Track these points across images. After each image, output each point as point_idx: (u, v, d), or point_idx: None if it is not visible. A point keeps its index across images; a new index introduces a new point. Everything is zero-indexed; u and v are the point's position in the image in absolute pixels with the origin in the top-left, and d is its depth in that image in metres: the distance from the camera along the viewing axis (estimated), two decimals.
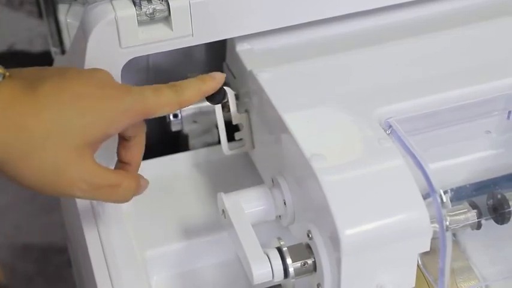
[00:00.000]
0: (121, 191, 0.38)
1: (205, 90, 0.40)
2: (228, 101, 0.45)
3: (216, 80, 0.40)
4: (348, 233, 0.35)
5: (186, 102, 0.39)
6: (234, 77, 0.48)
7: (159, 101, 0.38)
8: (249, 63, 0.45)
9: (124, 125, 0.37)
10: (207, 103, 0.49)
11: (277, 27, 0.45)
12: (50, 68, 0.39)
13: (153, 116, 0.39)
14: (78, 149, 0.36)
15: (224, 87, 0.42)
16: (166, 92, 0.38)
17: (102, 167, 0.37)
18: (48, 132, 0.35)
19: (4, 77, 0.35)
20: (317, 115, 0.40)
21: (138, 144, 0.41)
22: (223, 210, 0.41)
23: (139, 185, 0.40)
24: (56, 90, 0.36)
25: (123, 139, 0.40)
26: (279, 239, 0.38)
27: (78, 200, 0.45)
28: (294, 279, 0.38)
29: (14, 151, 0.34)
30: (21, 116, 0.34)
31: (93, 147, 0.37)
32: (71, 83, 0.36)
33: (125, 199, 0.39)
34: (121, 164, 0.41)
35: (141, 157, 0.41)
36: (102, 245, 0.42)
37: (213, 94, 0.41)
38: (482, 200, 0.40)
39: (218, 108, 0.45)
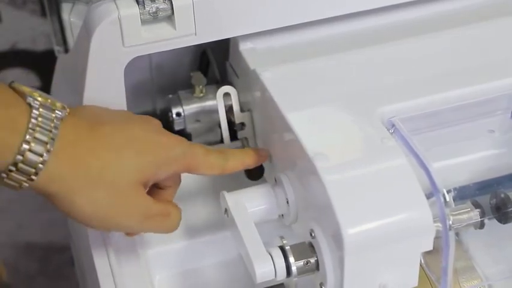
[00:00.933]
0: (170, 219, 0.40)
1: (248, 163, 0.42)
2: (231, 101, 0.45)
3: (260, 155, 0.43)
4: (350, 232, 0.35)
5: (228, 170, 0.41)
6: (237, 76, 0.48)
7: (207, 160, 0.40)
8: (252, 63, 0.45)
9: (172, 171, 0.39)
10: (210, 102, 0.49)
11: (281, 26, 0.45)
12: (109, 110, 0.41)
13: (196, 173, 0.41)
14: (132, 186, 0.37)
15: (227, 87, 0.43)
16: (215, 155, 0.41)
17: (152, 198, 0.39)
18: (104, 169, 0.36)
19: (65, 115, 0.36)
20: (320, 114, 0.40)
21: (169, 196, 0.42)
22: (225, 209, 0.41)
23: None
24: (115, 132, 0.38)
25: (155, 187, 0.41)
26: (282, 237, 0.38)
27: None
28: (296, 278, 0.38)
29: (70, 185, 0.36)
30: (80, 153, 0.36)
31: (144, 186, 0.38)
32: (128, 127, 0.38)
33: (173, 228, 0.41)
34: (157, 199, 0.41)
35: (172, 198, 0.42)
36: (105, 244, 0.43)
37: (252, 169, 0.43)
38: (485, 199, 0.40)
39: (221, 107, 0.45)
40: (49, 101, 0.35)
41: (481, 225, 0.40)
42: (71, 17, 0.47)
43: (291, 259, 0.37)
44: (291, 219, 0.41)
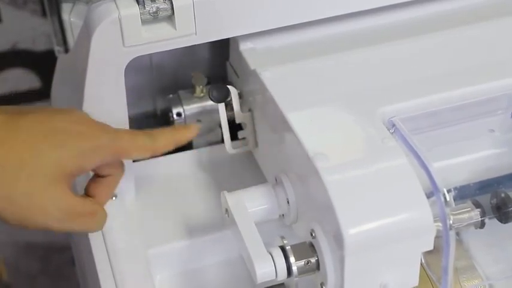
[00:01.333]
0: (96, 219, 0.39)
1: (179, 139, 0.41)
2: (231, 100, 0.45)
3: (190, 130, 0.41)
4: (351, 232, 0.35)
5: (159, 149, 0.40)
6: (238, 76, 0.48)
7: (134, 144, 0.39)
8: (252, 62, 0.44)
9: (97, 161, 0.38)
10: (211, 102, 0.49)
11: (280, 26, 0.45)
12: (35, 106, 0.39)
13: (126, 159, 0.39)
14: (52, 180, 0.36)
15: (228, 86, 0.43)
16: (142, 137, 0.39)
17: (78, 196, 0.38)
18: (21, 164, 0.35)
19: None
20: (320, 114, 0.40)
21: (110, 184, 0.40)
22: (226, 209, 0.41)
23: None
24: (33, 124, 0.36)
25: (96, 174, 0.40)
26: (282, 237, 0.38)
27: None
28: (297, 278, 0.38)
29: None
30: None
31: (67, 179, 0.37)
32: (49, 118, 0.37)
33: (99, 228, 0.39)
34: (85, 196, 0.40)
35: (109, 198, 0.41)
36: (105, 244, 0.42)
37: (215, 92, 0.42)
38: (485, 199, 0.40)
39: (222, 107, 0.45)
40: None
41: (482, 224, 0.40)
42: (71, 17, 0.46)
43: (292, 259, 0.37)
44: (292, 219, 0.41)
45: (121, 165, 0.40)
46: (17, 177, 0.35)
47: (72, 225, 0.38)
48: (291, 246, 0.38)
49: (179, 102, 0.49)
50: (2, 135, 0.35)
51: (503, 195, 0.40)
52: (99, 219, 0.39)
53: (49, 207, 0.36)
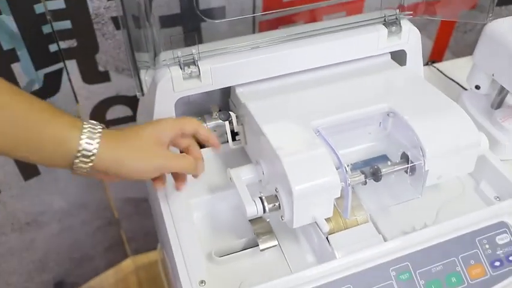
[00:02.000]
0: (187, 158, 0.38)
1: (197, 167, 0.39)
2: (232, 119, 0.45)
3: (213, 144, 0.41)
4: (296, 188, 0.35)
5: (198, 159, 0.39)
6: (235, 106, 0.47)
7: (192, 125, 0.39)
8: (243, 99, 0.44)
9: (171, 132, 0.38)
10: (221, 121, 0.49)
11: (259, 79, 0.45)
12: (129, 128, 0.40)
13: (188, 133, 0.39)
14: (155, 143, 0.36)
15: (229, 112, 0.43)
16: (187, 159, 0.38)
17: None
18: (136, 138, 0.35)
19: (103, 128, 0.36)
20: (281, 126, 0.40)
21: (192, 148, 0.40)
22: (230, 178, 0.41)
23: (197, 162, 0.39)
24: (133, 134, 0.36)
25: (183, 151, 0.40)
26: (261, 192, 0.38)
27: None
28: (269, 214, 0.38)
29: (122, 159, 0.35)
30: (117, 144, 0.35)
31: (165, 144, 0.37)
32: (142, 135, 0.37)
33: (191, 165, 0.38)
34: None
35: (200, 153, 0.40)
36: (166, 196, 0.42)
37: (223, 115, 0.42)
38: (367, 169, 0.40)
39: (227, 123, 0.45)
40: (96, 126, 0.35)
41: (365, 183, 0.40)
42: (145, 76, 0.46)
43: (266, 203, 0.37)
44: (265, 183, 0.41)
45: (190, 137, 0.40)
46: (139, 151, 0.35)
47: (174, 160, 0.37)
48: (265, 196, 0.38)
49: (204, 121, 0.49)
50: (118, 139, 0.35)
51: (376, 167, 0.40)
52: (190, 159, 0.38)
53: (156, 153, 0.36)
